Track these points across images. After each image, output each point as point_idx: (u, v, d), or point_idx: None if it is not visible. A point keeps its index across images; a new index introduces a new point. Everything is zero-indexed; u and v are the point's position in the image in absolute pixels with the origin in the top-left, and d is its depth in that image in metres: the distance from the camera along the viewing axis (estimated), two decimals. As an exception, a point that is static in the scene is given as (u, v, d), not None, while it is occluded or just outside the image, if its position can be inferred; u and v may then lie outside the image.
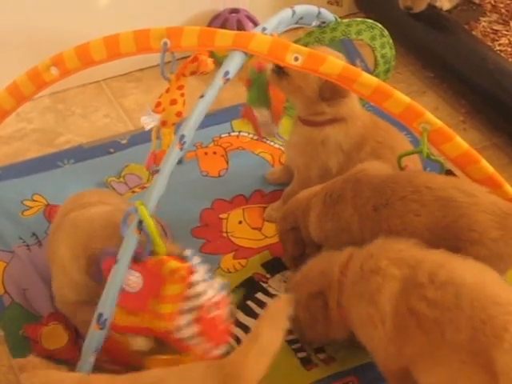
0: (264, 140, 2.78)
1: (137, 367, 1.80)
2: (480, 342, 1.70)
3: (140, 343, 1.86)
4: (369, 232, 2.05)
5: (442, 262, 1.83)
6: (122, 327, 1.86)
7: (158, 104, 2.12)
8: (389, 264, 1.86)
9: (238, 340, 2.07)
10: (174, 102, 2.10)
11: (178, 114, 2.10)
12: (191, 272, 1.83)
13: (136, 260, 1.82)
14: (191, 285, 1.82)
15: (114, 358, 1.90)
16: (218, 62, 2.05)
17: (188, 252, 1.89)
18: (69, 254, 2.01)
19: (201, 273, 1.85)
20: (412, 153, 2.15)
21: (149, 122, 2.13)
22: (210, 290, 1.86)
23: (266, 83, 2.37)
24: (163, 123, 2.12)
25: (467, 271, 1.81)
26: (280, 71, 2.28)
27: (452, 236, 1.97)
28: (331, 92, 2.27)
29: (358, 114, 2.37)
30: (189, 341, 1.83)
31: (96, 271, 1.92)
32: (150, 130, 2.17)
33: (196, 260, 1.88)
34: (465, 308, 1.74)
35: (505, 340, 1.68)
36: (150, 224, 1.80)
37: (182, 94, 2.11)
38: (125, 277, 1.80)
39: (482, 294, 1.76)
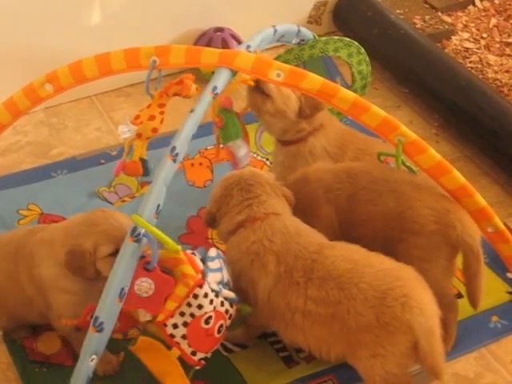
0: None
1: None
2: (386, 314, 1.84)
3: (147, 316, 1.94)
4: (345, 224, 2.17)
5: (315, 257, 1.96)
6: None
7: (137, 117, 2.21)
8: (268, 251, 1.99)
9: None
10: (152, 117, 2.19)
11: (154, 130, 2.18)
12: (199, 284, 1.88)
13: (146, 268, 1.86)
14: (195, 295, 1.88)
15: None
16: (204, 78, 2.12)
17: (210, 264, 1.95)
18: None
19: (209, 286, 1.89)
20: (389, 154, 2.22)
21: (125, 131, 2.21)
22: (212, 304, 1.90)
23: (236, 116, 2.37)
24: (138, 135, 2.21)
25: (339, 258, 1.94)
26: (262, 92, 2.33)
27: (398, 226, 2.11)
28: (311, 109, 2.36)
29: (330, 117, 2.48)
30: (175, 338, 1.91)
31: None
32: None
33: (212, 267, 1.94)
34: (355, 295, 1.88)
35: (413, 306, 1.83)
36: (151, 228, 1.82)
37: (162, 112, 2.20)
38: (124, 282, 1.84)
39: (363, 275, 1.90)
